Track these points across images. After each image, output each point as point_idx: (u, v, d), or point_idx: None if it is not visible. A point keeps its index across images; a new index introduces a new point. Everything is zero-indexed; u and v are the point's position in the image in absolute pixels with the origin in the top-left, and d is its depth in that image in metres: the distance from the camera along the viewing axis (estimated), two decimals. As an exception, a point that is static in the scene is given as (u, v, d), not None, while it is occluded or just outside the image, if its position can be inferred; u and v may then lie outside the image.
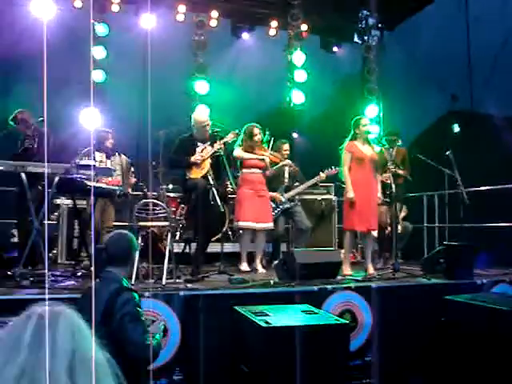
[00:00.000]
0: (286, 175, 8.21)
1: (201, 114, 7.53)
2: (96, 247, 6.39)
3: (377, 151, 7.35)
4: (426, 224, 9.53)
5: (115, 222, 7.77)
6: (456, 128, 10.38)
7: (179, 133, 7.43)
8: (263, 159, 7.48)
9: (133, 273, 5.16)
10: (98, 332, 2.86)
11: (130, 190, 7.55)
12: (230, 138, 7.05)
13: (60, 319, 1.34)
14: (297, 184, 8.27)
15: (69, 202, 7.93)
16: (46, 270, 5.70)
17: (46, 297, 4.23)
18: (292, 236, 8.46)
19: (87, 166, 6.05)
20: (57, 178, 5.64)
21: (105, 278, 3.70)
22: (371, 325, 5.63)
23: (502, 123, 9.40)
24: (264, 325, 4.14)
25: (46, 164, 5.78)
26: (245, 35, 10.80)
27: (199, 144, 7.10)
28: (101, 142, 7.56)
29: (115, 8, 10.12)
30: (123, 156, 7.64)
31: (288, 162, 7.98)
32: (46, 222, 5.52)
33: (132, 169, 7.79)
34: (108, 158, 7.38)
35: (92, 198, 7.04)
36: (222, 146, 6.88)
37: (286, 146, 8.29)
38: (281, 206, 7.96)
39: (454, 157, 7.79)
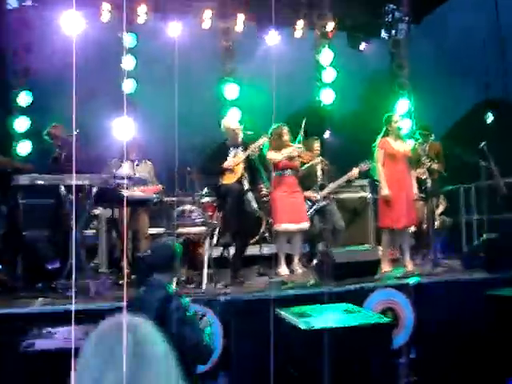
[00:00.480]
0: (319, 173, 8.18)
1: (231, 119, 7.59)
2: (137, 255, 6.53)
3: (410, 147, 7.31)
4: (464, 217, 9.40)
5: (151, 228, 7.88)
6: (490, 117, 10.25)
7: (213, 139, 7.51)
8: (293, 158, 7.43)
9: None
10: None
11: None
12: (262, 141, 7.07)
13: (143, 330, 1.37)
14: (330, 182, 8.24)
15: (107, 211, 8.05)
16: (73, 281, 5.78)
17: (72, 308, 4.36)
18: (327, 235, 8.43)
19: (123, 176, 6.16)
20: (95, 189, 5.75)
21: (150, 286, 3.80)
22: (414, 321, 5.61)
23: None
24: (306, 327, 4.16)
25: (84, 176, 5.90)
26: (271, 37, 10.81)
27: (231, 150, 7.15)
28: (127, 151, 7.70)
29: (142, 18, 10.23)
30: (149, 162, 7.78)
31: (319, 159, 7.96)
32: (73, 231, 5.57)
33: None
34: (137, 165, 7.49)
35: (125, 207, 7.17)
36: (256, 150, 6.91)
37: (317, 143, 8.28)
38: (316, 205, 7.94)
39: (489, 147, 7.71)
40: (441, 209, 8.85)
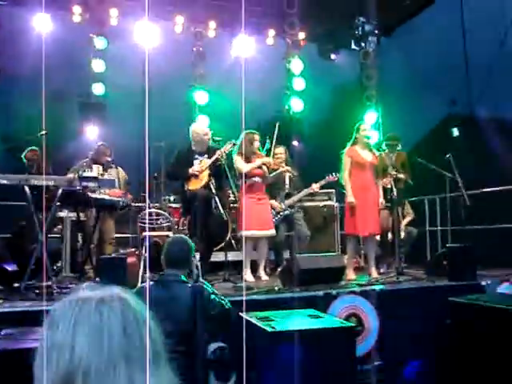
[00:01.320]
0: (287, 181, 8.21)
1: (200, 125, 7.57)
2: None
3: (377, 157, 7.39)
4: (428, 227, 9.53)
5: (117, 233, 7.82)
6: (455, 132, 10.40)
7: (179, 143, 7.49)
8: (261, 167, 7.46)
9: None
10: (189, 327, 3.63)
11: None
12: (227, 148, 7.05)
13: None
14: (296, 191, 8.28)
15: (72, 214, 7.96)
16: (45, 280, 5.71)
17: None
18: (293, 243, 8.45)
19: (90, 178, 6.10)
20: (60, 191, 5.68)
21: (165, 281, 3.99)
22: (378, 328, 5.64)
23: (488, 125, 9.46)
24: (269, 329, 4.16)
25: (49, 177, 5.84)
26: (242, 45, 10.85)
27: (197, 156, 7.13)
28: (99, 155, 7.64)
29: (113, 21, 10.20)
30: (120, 169, 7.72)
31: (287, 168, 7.97)
32: (42, 233, 5.51)
33: (126, 177, 7.87)
34: (105, 170, 7.42)
35: (94, 209, 7.10)
36: (220, 156, 6.89)
37: (280, 149, 8.29)
38: (281, 213, 7.96)
39: (455, 160, 7.83)
40: (408, 219, 8.95)
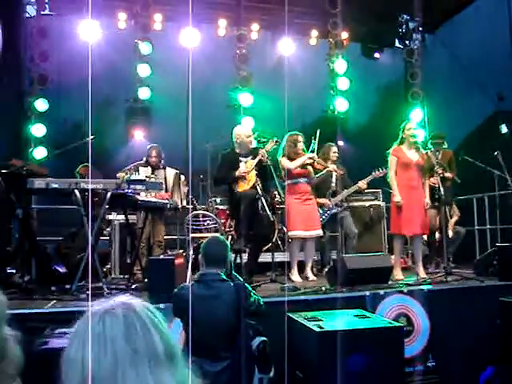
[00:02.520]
0: (334, 180, 8.18)
1: (242, 128, 7.58)
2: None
3: (424, 157, 7.29)
4: (477, 227, 9.38)
5: (166, 235, 7.92)
6: (504, 128, 10.22)
7: (225, 146, 7.54)
8: (307, 168, 7.46)
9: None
10: (234, 323, 3.76)
11: (183, 203, 7.65)
12: (270, 146, 7.06)
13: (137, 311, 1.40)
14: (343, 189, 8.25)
15: (121, 217, 8.11)
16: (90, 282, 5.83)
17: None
18: (340, 242, 8.42)
19: (138, 181, 6.19)
20: (109, 194, 5.79)
21: (207, 280, 4.09)
22: (429, 328, 5.58)
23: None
24: (317, 329, 4.17)
25: (98, 180, 5.96)
26: (286, 45, 10.87)
27: (241, 159, 7.16)
28: (146, 157, 7.77)
29: (158, 26, 10.36)
30: (169, 169, 7.80)
31: (333, 167, 7.94)
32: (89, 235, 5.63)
33: (183, 178, 7.91)
34: (153, 172, 7.52)
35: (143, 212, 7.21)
36: (263, 155, 6.91)
37: (334, 149, 8.30)
38: (328, 212, 7.95)
39: (503, 157, 7.70)
40: (455, 218, 8.84)
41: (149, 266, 6.00)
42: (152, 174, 7.44)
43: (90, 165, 6.42)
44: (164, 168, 7.80)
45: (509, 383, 5.23)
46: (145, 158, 7.81)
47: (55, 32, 9.71)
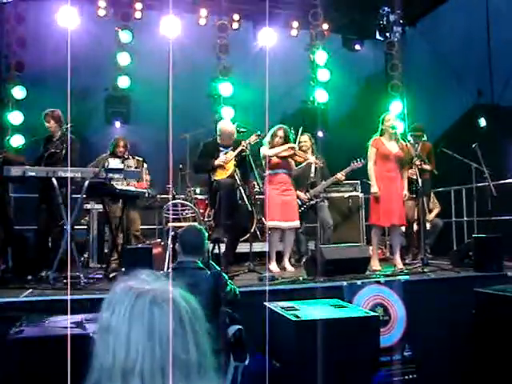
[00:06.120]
0: (313, 171, 8.17)
1: (228, 124, 7.54)
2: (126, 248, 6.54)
3: (404, 147, 7.32)
4: (454, 218, 9.46)
5: (144, 225, 7.90)
6: (483, 122, 10.29)
7: (204, 135, 7.53)
8: (286, 157, 7.42)
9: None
10: (211, 311, 3.59)
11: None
12: (252, 139, 7.08)
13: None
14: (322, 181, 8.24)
15: (98, 206, 8.07)
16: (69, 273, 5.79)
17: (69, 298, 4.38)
18: (317, 233, 8.42)
19: (116, 170, 6.16)
20: (87, 183, 5.75)
21: (184, 268, 4.16)
22: (406, 318, 5.63)
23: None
24: (294, 319, 4.19)
25: (76, 169, 5.91)
26: (268, 36, 10.83)
27: (222, 149, 7.17)
28: (111, 148, 7.75)
29: (138, 15, 10.26)
30: (136, 157, 7.82)
31: (312, 159, 7.92)
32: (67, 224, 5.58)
33: (145, 165, 7.93)
34: (122, 162, 7.49)
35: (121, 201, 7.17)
36: (244, 147, 6.92)
37: (304, 138, 8.17)
38: (306, 204, 7.95)
39: (481, 150, 7.76)
40: (436, 211, 8.92)
41: (126, 255, 5.98)
42: (121, 163, 7.41)
43: (69, 153, 6.33)
44: (133, 157, 7.79)
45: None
46: (109, 151, 7.78)
47: (33, 18, 9.56)
